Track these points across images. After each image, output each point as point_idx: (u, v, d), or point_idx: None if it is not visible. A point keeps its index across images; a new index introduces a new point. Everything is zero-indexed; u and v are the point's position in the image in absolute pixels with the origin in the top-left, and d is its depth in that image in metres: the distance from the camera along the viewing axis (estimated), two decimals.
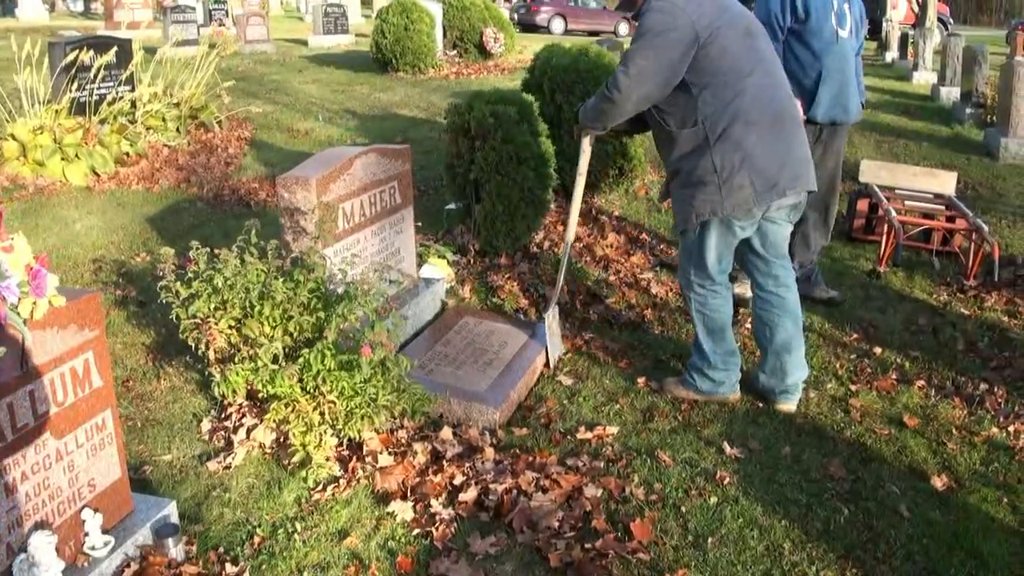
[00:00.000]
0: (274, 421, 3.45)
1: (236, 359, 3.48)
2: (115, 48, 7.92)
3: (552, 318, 4.43)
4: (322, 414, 3.37)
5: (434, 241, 5.55)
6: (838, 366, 4.41)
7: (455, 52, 14.71)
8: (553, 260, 5.45)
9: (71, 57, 7.56)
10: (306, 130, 9.20)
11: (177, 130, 8.37)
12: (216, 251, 3.59)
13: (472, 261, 5.43)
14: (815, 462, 3.56)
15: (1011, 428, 3.82)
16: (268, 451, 3.53)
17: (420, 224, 5.74)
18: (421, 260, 4.99)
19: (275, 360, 3.38)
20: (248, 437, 3.56)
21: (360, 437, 3.46)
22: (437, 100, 10.89)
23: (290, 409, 3.37)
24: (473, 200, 5.41)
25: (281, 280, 3.50)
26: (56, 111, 7.59)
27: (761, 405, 4.00)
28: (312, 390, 3.37)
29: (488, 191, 5.25)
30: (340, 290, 3.57)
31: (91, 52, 7.78)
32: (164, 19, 14.88)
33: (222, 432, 3.68)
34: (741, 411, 3.95)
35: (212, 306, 3.55)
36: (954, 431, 3.81)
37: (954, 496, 3.36)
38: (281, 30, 21.84)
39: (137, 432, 3.73)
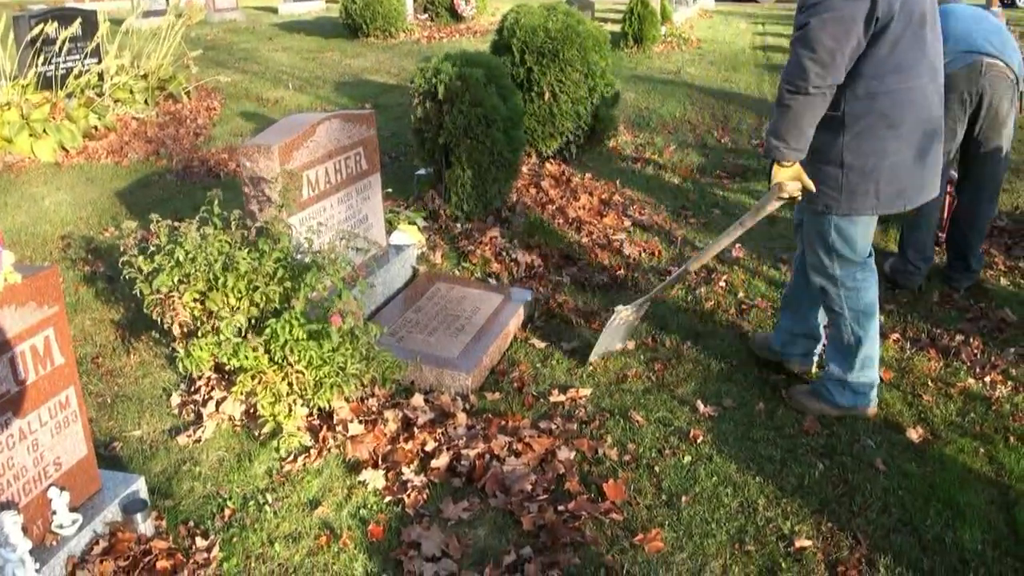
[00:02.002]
0: (242, 393, 3.40)
1: (200, 333, 3.43)
2: (79, 20, 7.75)
3: (622, 318, 3.97)
4: (290, 384, 3.33)
5: (404, 207, 5.48)
6: None
7: (426, 16, 14.52)
8: (527, 223, 5.38)
9: (36, 31, 7.41)
10: (276, 99, 9.07)
11: (146, 102, 8.24)
12: (176, 224, 3.53)
13: (444, 226, 5.37)
14: (789, 418, 3.55)
15: (987, 379, 3.81)
16: (238, 423, 3.49)
17: (390, 191, 5.67)
18: (391, 227, 4.93)
19: (240, 332, 3.33)
20: (217, 410, 3.52)
21: (330, 406, 3.42)
22: (408, 65, 10.75)
23: (257, 381, 3.33)
24: (443, 165, 5.34)
25: (246, 251, 3.44)
26: (23, 86, 7.45)
27: (735, 363, 3.98)
28: (280, 360, 3.32)
29: (457, 155, 5.18)
30: (307, 259, 3.52)
31: (55, 24, 7.62)
32: None
33: (192, 406, 3.64)
34: (715, 369, 3.93)
35: (176, 280, 3.49)
36: (930, 383, 3.80)
37: (930, 448, 3.35)
38: None
39: (107, 408, 3.68)
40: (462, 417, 3.45)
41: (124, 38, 8.71)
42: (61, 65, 7.82)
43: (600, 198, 6.00)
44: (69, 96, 7.72)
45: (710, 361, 4.00)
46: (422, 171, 5.75)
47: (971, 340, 4.13)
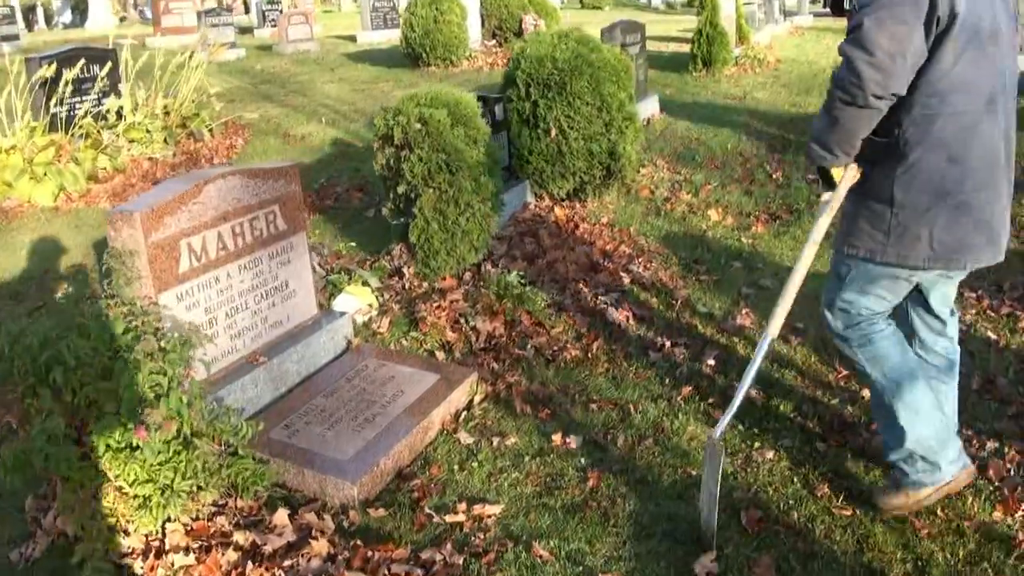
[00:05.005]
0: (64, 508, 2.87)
1: (20, 435, 2.92)
2: (82, 60, 7.53)
3: (717, 449, 2.80)
4: (110, 504, 2.77)
5: (370, 264, 4.90)
6: (808, 420, 3.56)
7: (494, 41, 14.00)
8: (498, 283, 4.66)
9: (42, 72, 7.20)
10: (303, 134, 8.65)
11: (165, 141, 7.93)
12: None
13: (408, 286, 4.74)
14: (737, 559, 2.77)
15: (1019, 513, 2.91)
16: (70, 539, 2.95)
17: (355, 244, 5.13)
18: (337, 289, 4.35)
19: (52, 439, 2.79)
20: (55, 522, 3.00)
21: (156, 531, 2.85)
22: None
23: (75, 496, 2.79)
24: (408, 216, 4.74)
25: (81, 339, 2.91)
26: (32, 129, 7.24)
27: (694, 473, 3.22)
28: (105, 473, 2.77)
29: (420, 206, 4.56)
30: (168, 345, 2.97)
31: (64, 66, 7.39)
32: (199, 22, 14.59)
33: (35, 514, 3.13)
34: (667, 483, 3.19)
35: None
36: (939, 512, 2.94)
37: None
38: (343, 26, 21.50)
39: None
40: (321, 545, 2.82)
41: (148, 76, 8.47)
42: (76, 106, 7.60)
43: (602, 249, 5.28)
44: (83, 137, 7.47)
45: (664, 470, 3.26)
46: (396, 222, 5.17)
47: (1006, 449, 3.25)
